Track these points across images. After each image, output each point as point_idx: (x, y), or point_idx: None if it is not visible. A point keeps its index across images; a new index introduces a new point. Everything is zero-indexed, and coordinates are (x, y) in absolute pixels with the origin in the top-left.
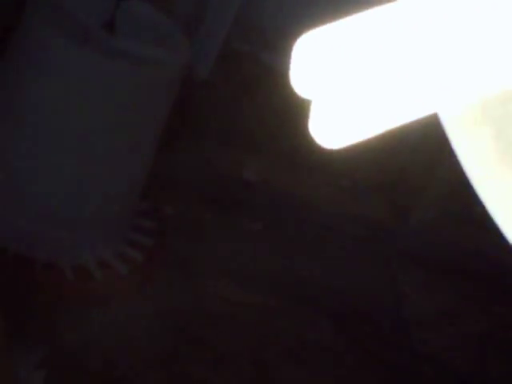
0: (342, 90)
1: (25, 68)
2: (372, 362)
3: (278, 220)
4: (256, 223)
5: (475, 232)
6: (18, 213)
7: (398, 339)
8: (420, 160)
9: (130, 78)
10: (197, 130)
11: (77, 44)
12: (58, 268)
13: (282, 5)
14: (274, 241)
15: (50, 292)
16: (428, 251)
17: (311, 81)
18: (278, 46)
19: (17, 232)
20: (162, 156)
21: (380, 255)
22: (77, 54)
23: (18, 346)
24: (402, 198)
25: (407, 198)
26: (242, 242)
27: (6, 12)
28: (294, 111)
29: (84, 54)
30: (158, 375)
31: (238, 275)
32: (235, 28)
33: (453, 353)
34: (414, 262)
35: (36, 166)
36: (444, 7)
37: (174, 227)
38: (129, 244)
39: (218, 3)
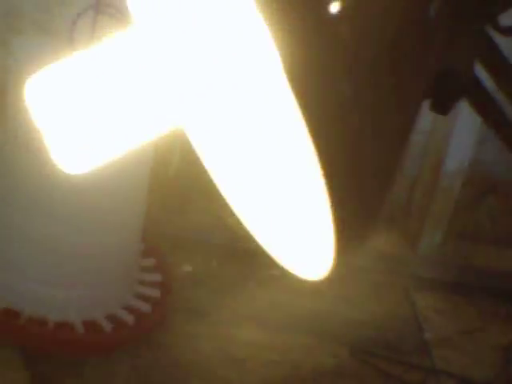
0: (76, 120)
1: None
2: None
3: None
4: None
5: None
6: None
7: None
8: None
9: None
10: (206, 192)
11: None
12: (69, 324)
13: None
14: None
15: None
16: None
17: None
18: None
19: (29, 294)
20: (175, 218)
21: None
22: None
23: None
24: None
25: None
26: (259, 288)
27: None
28: None
29: None
30: None
31: (260, 319)
32: None
33: None
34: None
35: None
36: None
37: (191, 281)
38: (136, 296)
39: None
